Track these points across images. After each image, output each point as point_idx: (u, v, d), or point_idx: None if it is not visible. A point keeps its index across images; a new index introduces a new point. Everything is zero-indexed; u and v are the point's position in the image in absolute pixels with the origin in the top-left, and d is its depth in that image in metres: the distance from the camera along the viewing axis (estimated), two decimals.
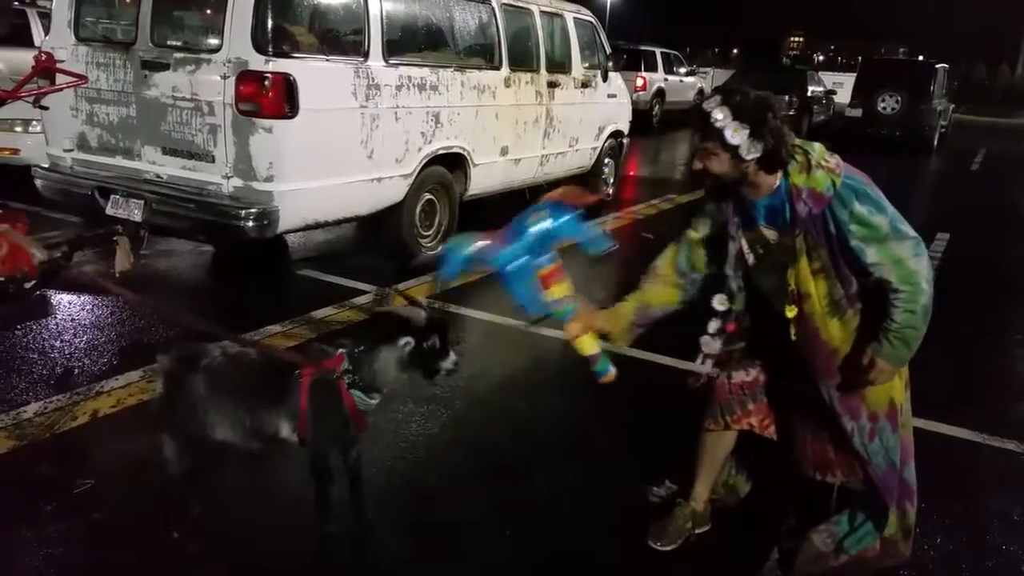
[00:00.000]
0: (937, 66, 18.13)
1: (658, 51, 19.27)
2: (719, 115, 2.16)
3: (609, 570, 2.69)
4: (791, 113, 17.03)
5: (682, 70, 20.48)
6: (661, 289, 2.56)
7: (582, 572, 2.68)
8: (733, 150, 2.17)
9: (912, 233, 2.24)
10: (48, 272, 4.50)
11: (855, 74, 19.57)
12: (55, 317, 4.48)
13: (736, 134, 2.14)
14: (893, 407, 2.42)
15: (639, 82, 17.48)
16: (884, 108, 16.97)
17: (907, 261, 2.19)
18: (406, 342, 2.39)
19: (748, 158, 2.18)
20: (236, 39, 4.55)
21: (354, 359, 2.44)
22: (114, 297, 4.76)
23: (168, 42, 4.98)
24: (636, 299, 2.56)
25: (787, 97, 16.99)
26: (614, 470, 3.27)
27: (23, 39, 8.43)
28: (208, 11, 5.15)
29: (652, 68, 18.72)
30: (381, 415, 3.49)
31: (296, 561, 2.60)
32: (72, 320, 4.45)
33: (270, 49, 4.54)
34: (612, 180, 8.90)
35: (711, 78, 26.06)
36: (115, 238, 4.83)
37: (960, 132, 21.68)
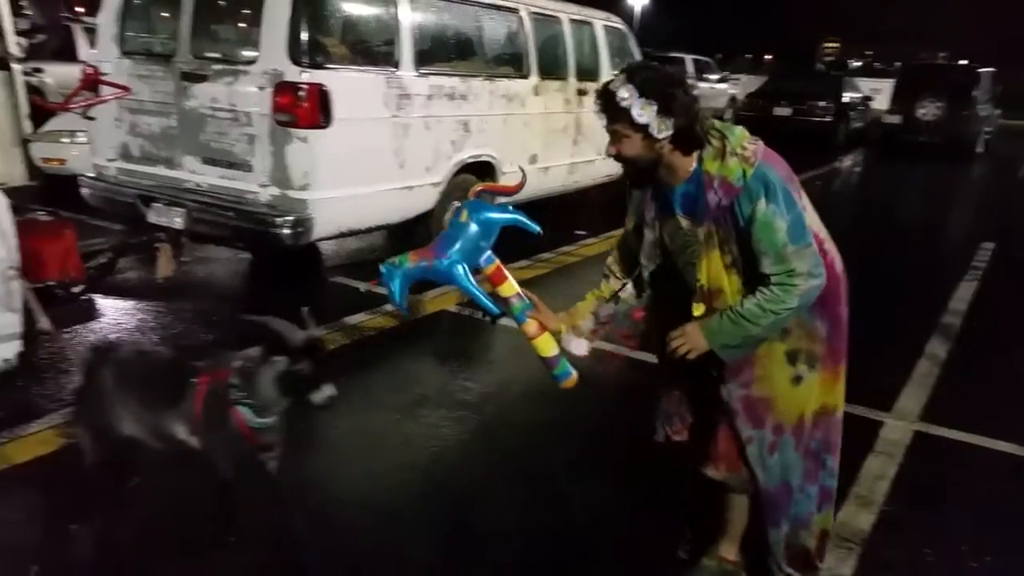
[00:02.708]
0: (981, 70, 17.75)
1: (688, 57, 19.23)
2: (624, 93, 2.01)
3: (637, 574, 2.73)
4: (827, 120, 16.92)
5: (713, 76, 20.39)
6: (613, 284, 2.49)
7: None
8: (643, 129, 2.03)
9: (814, 246, 2.07)
10: (95, 277, 4.66)
11: (893, 80, 19.31)
12: (101, 320, 4.64)
13: (644, 112, 2.00)
14: (801, 423, 2.27)
15: None
16: (924, 114, 16.62)
17: (796, 276, 2.02)
18: (276, 360, 2.32)
19: (659, 137, 2.03)
20: (272, 51, 4.70)
21: (244, 372, 2.38)
22: (157, 302, 4.93)
23: (207, 54, 5.14)
24: (594, 296, 2.48)
25: (822, 104, 16.89)
26: (642, 478, 3.28)
27: (69, 54, 8.71)
28: (245, 24, 5.32)
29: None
30: (412, 421, 3.62)
31: (327, 559, 2.68)
32: (116, 323, 4.60)
33: (305, 60, 4.67)
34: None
35: (743, 84, 25.91)
36: (157, 245, 5.00)
37: (1007, 138, 21.28)
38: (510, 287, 2.30)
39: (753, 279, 2.10)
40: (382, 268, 2.29)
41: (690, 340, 2.17)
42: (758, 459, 2.28)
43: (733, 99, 21.14)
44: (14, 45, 3.19)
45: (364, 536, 2.78)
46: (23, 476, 3.01)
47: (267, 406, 2.39)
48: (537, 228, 2.27)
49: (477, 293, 2.26)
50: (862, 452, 3.46)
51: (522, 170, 2.48)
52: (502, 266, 2.30)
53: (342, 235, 5.48)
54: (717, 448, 2.36)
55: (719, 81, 20.78)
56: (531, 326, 2.31)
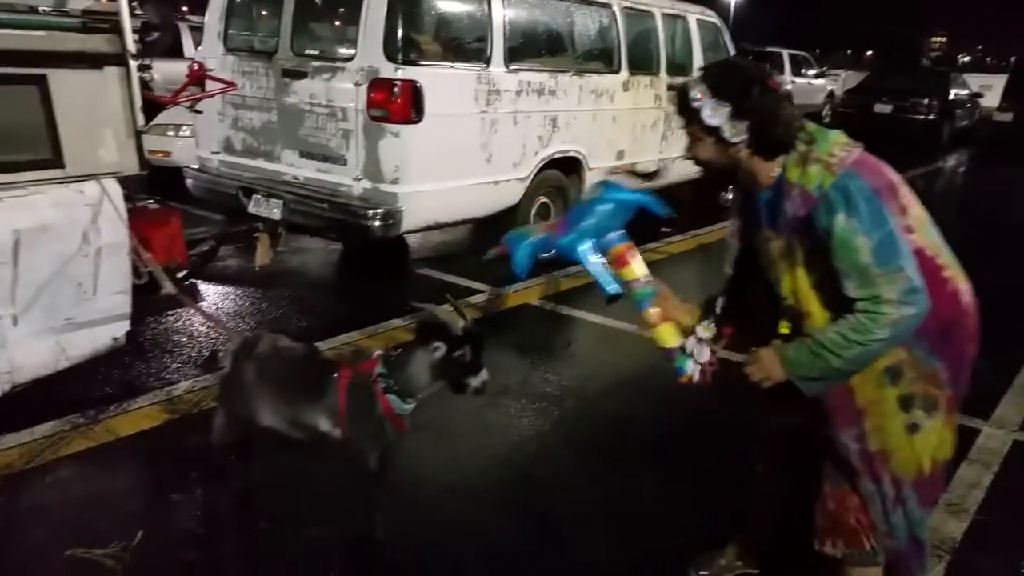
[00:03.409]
0: None
1: (785, 52, 18.71)
2: (697, 93, 1.88)
3: None
4: (931, 118, 16.16)
5: (811, 72, 19.79)
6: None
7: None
8: (715, 133, 1.90)
9: (908, 271, 1.78)
10: (197, 264, 4.91)
11: (1006, 76, 18.32)
12: (202, 305, 4.89)
13: (715, 114, 1.87)
14: (921, 475, 2.01)
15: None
16: None
17: (883, 303, 1.78)
18: (436, 347, 2.40)
19: (733, 141, 1.89)
20: (369, 49, 4.84)
21: (389, 363, 2.49)
22: (255, 288, 5.16)
23: (307, 51, 5.33)
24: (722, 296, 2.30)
25: (926, 101, 16.15)
26: (716, 478, 3.27)
27: (175, 51, 9.15)
28: (343, 23, 5.49)
29: (778, 70, 18.18)
30: (493, 410, 3.68)
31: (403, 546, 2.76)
32: (217, 308, 4.85)
33: (399, 58, 4.80)
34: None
35: (842, 80, 25.02)
36: (256, 235, 5.22)
37: None
38: (634, 271, 2.15)
39: (843, 303, 1.85)
40: (508, 234, 2.27)
41: (764, 367, 1.98)
42: (882, 517, 2.05)
43: (831, 95, 20.47)
44: (132, 43, 3.38)
45: (444, 517, 2.86)
46: (128, 447, 3.21)
47: (415, 392, 2.48)
48: (667, 210, 2.18)
49: (595, 270, 2.14)
50: (956, 460, 3.33)
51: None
52: (631, 248, 2.16)
53: (429, 228, 5.60)
54: (827, 519, 2.14)
55: (817, 77, 20.15)
56: (652, 314, 2.15)
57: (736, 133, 1.88)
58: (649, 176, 2.17)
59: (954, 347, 1.96)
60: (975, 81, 22.29)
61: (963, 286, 1.99)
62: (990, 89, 20.31)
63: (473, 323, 2.51)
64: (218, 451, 2.84)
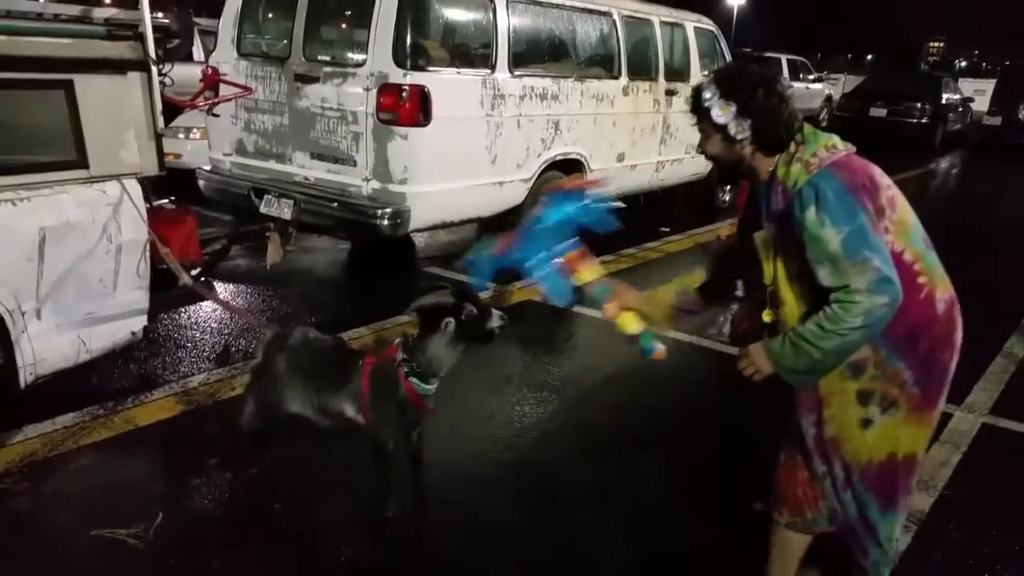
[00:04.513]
0: None
1: (783, 57, 18.90)
2: (707, 93, 2.03)
3: (705, 551, 2.85)
4: (923, 121, 16.33)
5: (809, 76, 19.98)
6: (701, 277, 2.47)
7: (678, 552, 2.85)
8: (723, 130, 2.04)
9: (876, 262, 1.87)
10: (210, 262, 5.04)
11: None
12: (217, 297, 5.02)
13: (723, 113, 2.01)
14: (870, 465, 2.12)
15: None
16: None
17: (854, 292, 1.87)
18: (447, 323, 2.55)
19: (738, 138, 2.03)
20: (379, 55, 5.00)
21: (408, 348, 2.62)
22: (266, 286, 5.32)
23: (319, 57, 5.49)
24: (678, 283, 2.48)
25: (919, 105, 16.33)
26: (712, 463, 3.42)
27: (186, 55, 9.27)
28: (354, 29, 5.66)
29: (777, 74, 18.37)
30: (496, 398, 3.83)
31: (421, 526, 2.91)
32: (232, 304, 4.98)
33: (408, 63, 4.96)
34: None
35: (842, 84, 25.19)
36: (267, 234, 5.36)
37: None
38: (589, 273, 2.36)
39: (819, 294, 1.96)
40: (469, 255, 2.48)
41: (754, 362, 2.09)
42: (832, 494, 2.19)
43: (829, 99, 20.67)
44: (153, 50, 3.51)
45: (448, 498, 2.98)
46: (147, 436, 3.35)
47: (437, 371, 2.62)
48: (609, 228, 2.34)
49: (546, 285, 2.36)
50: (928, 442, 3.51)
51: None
52: (582, 255, 2.36)
53: (436, 227, 5.76)
54: (784, 489, 2.29)
55: (815, 81, 20.33)
56: (610, 308, 2.35)
57: (741, 131, 2.01)
58: (597, 183, 2.30)
59: (920, 352, 2.04)
60: (971, 85, 22.48)
61: (941, 294, 2.06)
62: (983, 94, 20.50)
63: (458, 286, 2.67)
64: (246, 436, 2.97)
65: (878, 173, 2.05)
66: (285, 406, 2.79)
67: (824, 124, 19.42)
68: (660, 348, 2.34)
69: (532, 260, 2.32)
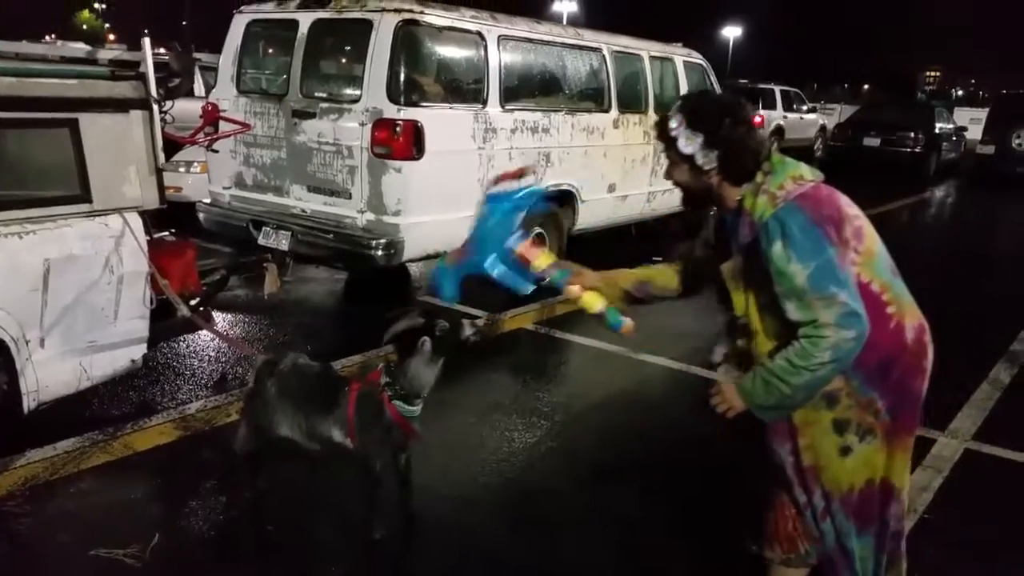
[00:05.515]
0: None
1: (777, 89, 19.15)
2: (674, 123, 2.03)
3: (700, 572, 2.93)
4: (917, 151, 16.52)
5: (803, 107, 20.24)
6: (664, 270, 2.45)
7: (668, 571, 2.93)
8: (689, 160, 2.04)
9: (843, 297, 1.87)
10: (209, 293, 5.16)
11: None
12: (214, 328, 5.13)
13: (689, 143, 2.01)
14: (851, 493, 2.12)
15: (756, 120, 17.38)
16: (1020, 144, 16.12)
17: (822, 327, 1.87)
18: (422, 342, 2.64)
19: (704, 168, 2.03)
20: (373, 91, 5.17)
21: (391, 372, 2.72)
22: (263, 316, 5.44)
23: (315, 94, 5.66)
24: (638, 271, 2.46)
25: (912, 135, 16.53)
26: (700, 490, 3.49)
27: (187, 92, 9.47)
28: (349, 67, 5.84)
29: (770, 106, 18.61)
30: (486, 424, 3.93)
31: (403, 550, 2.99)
32: (227, 334, 5.09)
33: (402, 99, 5.13)
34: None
35: (838, 113, 25.43)
36: (265, 264, 5.48)
37: None
38: (544, 259, 2.39)
39: (787, 327, 1.96)
40: (429, 274, 2.58)
41: (726, 399, 2.08)
42: (812, 524, 2.20)
43: (823, 129, 20.88)
44: (154, 89, 3.67)
45: (437, 521, 3.06)
46: (145, 461, 3.43)
47: (420, 390, 2.71)
48: (540, 207, 2.38)
49: (504, 280, 2.40)
50: (910, 466, 3.58)
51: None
52: (533, 244, 2.42)
53: (429, 257, 5.85)
54: (776, 527, 2.29)
55: (808, 112, 20.58)
56: (572, 290, 2.37)
57: (707, 161, 2.02)
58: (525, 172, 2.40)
59: (892, 381, 2.04)
60: (967, 114, 22.61)
61: (910, 322, 2.06)
62: (980, 122, 20.69)
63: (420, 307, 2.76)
64: (239, 458, 3.06)
65: (845, 203, 2.05)
66: (275, 429, 2.88)
67: (819, 154, 19.64)
68: (627, 322, 2.34)
69: (487, 261, 2.37)
